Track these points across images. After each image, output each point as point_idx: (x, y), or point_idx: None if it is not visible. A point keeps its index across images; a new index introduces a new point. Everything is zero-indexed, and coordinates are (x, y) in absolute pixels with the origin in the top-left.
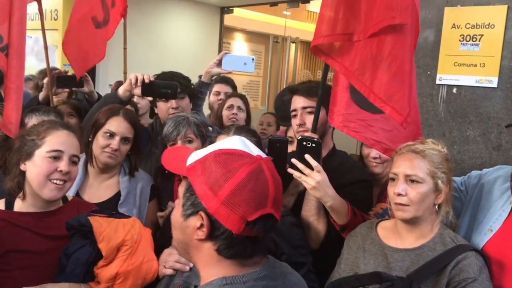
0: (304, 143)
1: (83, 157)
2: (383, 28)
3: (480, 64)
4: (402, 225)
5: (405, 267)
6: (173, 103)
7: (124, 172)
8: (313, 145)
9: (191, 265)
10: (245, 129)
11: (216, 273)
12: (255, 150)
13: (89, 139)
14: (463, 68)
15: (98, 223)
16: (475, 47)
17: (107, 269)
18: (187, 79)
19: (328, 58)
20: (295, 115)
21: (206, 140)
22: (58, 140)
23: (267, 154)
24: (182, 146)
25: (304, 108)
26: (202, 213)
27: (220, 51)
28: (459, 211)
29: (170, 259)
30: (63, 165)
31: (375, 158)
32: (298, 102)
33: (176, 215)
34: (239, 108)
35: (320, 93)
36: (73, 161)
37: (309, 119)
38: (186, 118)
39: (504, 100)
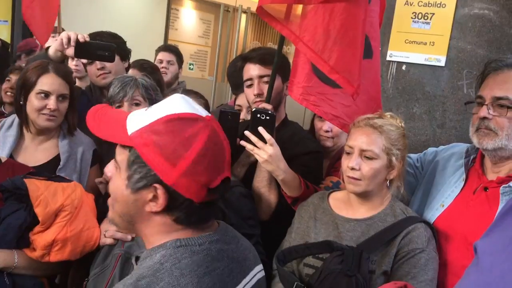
0: (258, 115)
1: (17, 117)
2: None
3: (430, 42)
4: (354, 197)
5: (355, 237)
6: (97, 63)
7: (63, 135)
8: (267, 117)
9: (134, 234)
10: (191, 92)
11: (169, 237)
12: (201, 110)
13: (21, 102)
14: (414, 46)
15: (35, 186)
16: (426, 25)
17: (43, 235)
18: (113, 36)
19: (274, 22)
20: (250, 85)
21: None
22: None
23: None
24: (108, 106)
25: (261, 77)
26: (157, 185)
27: (168, 17)
28: (413, 187)
29: (111, 228)
30: None
31: (327, 131)
32: (253, 70)
33: (119, 188)
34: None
35: (276, 61)
36: None
37: (267, 89)
38: (134, 79)
39: (450, 79)
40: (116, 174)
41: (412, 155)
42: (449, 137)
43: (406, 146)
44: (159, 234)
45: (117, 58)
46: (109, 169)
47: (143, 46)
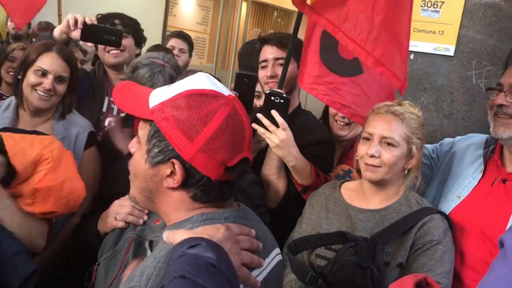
0: (272, 97)
1: (14, 99)
2: None
3: (439, 31)
4: (368, 186)
5: (369, 228)
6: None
7: (58, 117)
8: (281, 101)
9: (146, 218)
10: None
11: (190, 214)
12: (224, 89)
13: (19, 77)
14: (422, 35)
15: (11, 138)
16: (436, 14)
17: (28, 183)
18: (134, 21)
19: (312, 13)
20: (264, 66)
21: None
22: None
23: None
24: (134, 82)
25: (277, 59)
26: (175, 160)
27: (167, 4)
28: (428, 178)
29: (122, 211)
30: None
31: (343, 117)
32: (270, 52)
33: (138, 162)
34: None
35: (290, 46)
36: None
37: (281, 71)
38: (163, 68)
39: (459, 69)
40: (137, 149)
41: (427, 145)
42: (456, 128)
43: (425, 135)
44: (179, 211)
45: (132, 40)
46: (133, 145)
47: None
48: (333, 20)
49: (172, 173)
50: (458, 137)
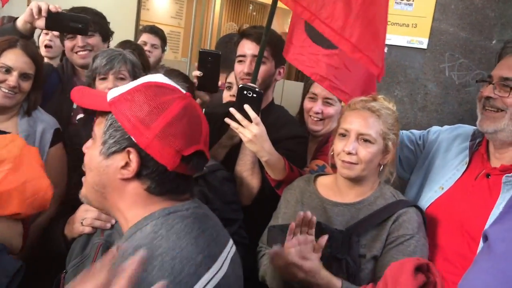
0: (245, 92)
1: None
2: None
3: (412, 24)
4: (343, 181)
5: (345, 222)
6: (78, 40)
7: (23, 114)
8: (254, 95)
9: (113, 221)
10: (175, 73)
11: (149, 210)
12: (180, 88)
13: None
14: (396, 28)
15: None
16: (409, 7)
17: None
18: (100, 15)
19: (287, 0)
20: (241, 61)
21: None
22: None
23: (197, 69)
24: (89, 88)
25: (255, 56)
26: (130, 149)
27: None
28: (412, 164)
29: (88, 215)
30: None
31: (317, 113)
32: (248, 48)
33: (93, 155)
34: None
35: (263, 39)
36: None
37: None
38: (123, 54)
39: (432, 61)
40: (92, 146)
41: (415, 131)
42: (430, 120)
43: (399, 130)
44: (136, 207)
45: (99, 38)
46: (86, 145)
47: (113, 27)
48: (309, 7)
49: (127, 164)
50: (446, 127)
